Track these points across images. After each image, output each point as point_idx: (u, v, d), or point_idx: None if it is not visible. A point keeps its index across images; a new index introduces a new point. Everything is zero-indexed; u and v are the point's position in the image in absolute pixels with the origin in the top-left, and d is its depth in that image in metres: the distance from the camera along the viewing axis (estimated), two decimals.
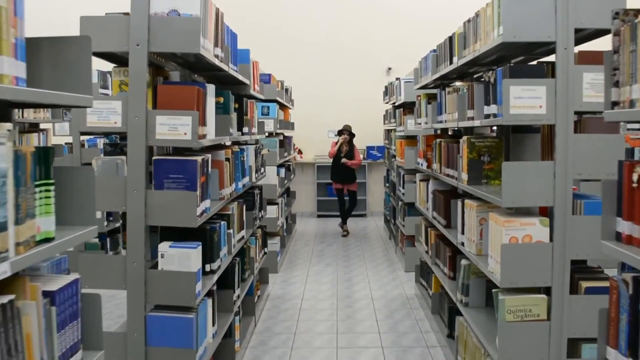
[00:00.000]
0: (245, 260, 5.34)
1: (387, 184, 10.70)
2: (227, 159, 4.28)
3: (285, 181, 9.14)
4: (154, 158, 3.28)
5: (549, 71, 3.30)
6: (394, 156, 9.40)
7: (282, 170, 8.69)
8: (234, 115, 4.83)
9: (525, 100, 3.13)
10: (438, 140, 5.24)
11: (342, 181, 10.24)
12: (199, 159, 3.31)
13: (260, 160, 6.19)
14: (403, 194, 8.02)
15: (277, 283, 7.28)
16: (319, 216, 12.70)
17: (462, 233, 4.21)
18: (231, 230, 4.43)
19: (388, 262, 8.43)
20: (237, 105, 5.20)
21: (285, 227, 9.50)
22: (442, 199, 5.00)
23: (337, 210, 10.65)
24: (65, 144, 7.52)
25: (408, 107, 8.08)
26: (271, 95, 7.68)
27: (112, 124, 3.25)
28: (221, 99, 4.40)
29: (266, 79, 7.75)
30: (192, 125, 3.22)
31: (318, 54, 12.83)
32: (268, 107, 7.63)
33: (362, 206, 12.68)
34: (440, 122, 5.24)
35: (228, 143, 5.67)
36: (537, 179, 3.17)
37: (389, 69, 12.73)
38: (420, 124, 6.36)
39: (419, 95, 6.40)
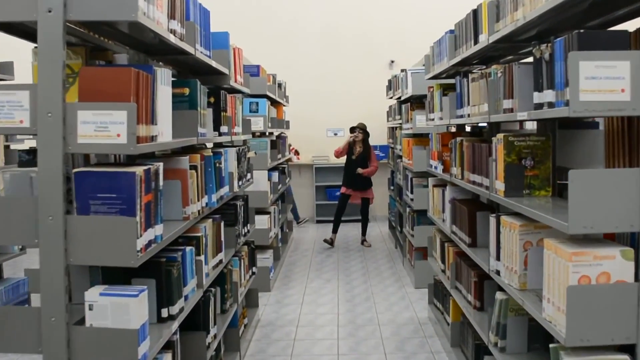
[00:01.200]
0: (226, 288, 4.41)
1: (392, 187, 9.76)
2: (194, 167, 3.35)
3: (280, 186, 8.20)
4: (74, 171, 2.33)
5: (636, 41, 2.35)
6: (400, 157, 8.46)
7: (275, 174, 7.75)
8: (207, 112, 3.90)
9: (601, 82, 2.19)
10: (458, 139, 4.30)
11: (355, 187, 9.07)
12: (139, 170, 2.37)
13: (245, 165, 5.26)
14: (412, 199, 7.08)
15: (269, 305, 6.34)
16: (318, 222, 11.76)
17: (497, 259, 3.27)
18: (202, 257, 3.50)
19: (395, 276, 7.48)
20: (212, 100, 4.27)
21: (280, 236, 8.56)
22: (466, 212, 4.06)
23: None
24: None
25: (416, 102, 7.13)
26: (260, 89, 6.74)
27: (18, 124, 2.32)
28: (186, 90, 3.46)
29: (254, 71, 6.82)
30: (128, 123, 2.28)
31: (314, 47, 11.88)
32: (257, 104, 6.70)
33: None
34: (461, 116, 4.31)
35: (209, 145, 4.78)
36: (619, 193, 2.22)
37: (392, 61, 11.78)
38: (432, 119, 5.42)
39: (431, 87, 5.46)
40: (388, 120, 10.14)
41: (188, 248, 3.25)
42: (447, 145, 4.92)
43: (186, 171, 3.19)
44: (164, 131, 2.82)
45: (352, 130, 9.12)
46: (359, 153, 9.07)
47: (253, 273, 5.52)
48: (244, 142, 6.86)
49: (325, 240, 9.37)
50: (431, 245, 5.66)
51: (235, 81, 4.90)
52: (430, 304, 5.78)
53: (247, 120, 5.64)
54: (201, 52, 3.65)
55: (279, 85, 8.93)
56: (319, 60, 11.85)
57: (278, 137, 8.91)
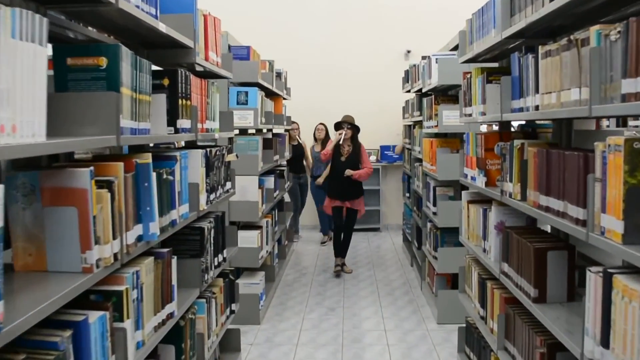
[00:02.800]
0: (184, 347, 3.14)
1: (408, 194, 8.47)
2: (107, 184, 2.07)
3: (276, 192, 6.93)
4: None
5: None
6: (419, 160, 7.16)
7: (271, 180, 6.48)
8: (148, 97, 2.63)
9: None
10: (517, 142, 3.01)
11: (341, 196, 7.30)
12: None
13: (222, 172, 4.00)
14: (434, 213, 5.79)
15: (255, 344, 5.07)
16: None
17: (602, 343, 1.98)
18: (126, 323, 2.23)
19: (412, 305, 6.20)
20: (166, 82, 3.02)
21: (276, 250, 7.29)
22: (531, 251, 2.76)
23: None
24: None
25: (442, 94, 5.84)
26: (249, 76, 5.47)
27: None
28: (101, 61, 2.19)
29: (243, 53, 5.55)
30: None
31: (320, 34, 10.59)
32: (246, 93, 5.43)
33: (375, 218, 10.46)
34: (520, 109, 3.01)
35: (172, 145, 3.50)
36: None
37: (408, 51, 10.47)
38: (469, 115, 4.12)
39: (468, 73, 4.17)
40: (404, 117, 8.85)
41: (94, 315, 1.98)
42: (492, 150, 3.64)
43: (85, 192, 1.91)
44: (34, 128, 1.55)
45: (338, 126, 7.37)
46: (348, 154, 7.34)
47: (232, 312, 4.25)
48: (230, 140, 5.59)
49: (335, 272, 7.45)
50: (463, 277, 4.37)
51: (207, 59, 3.63)
52: (460, 353, 4.49)
53: (227, 114, 4.37)
54: (134, 5, 2.38)
55: (278, 74, 7.65)
56: (325, 50, 10.56)
57: (276, 134, 7.64)
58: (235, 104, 5.45)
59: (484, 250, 3.73)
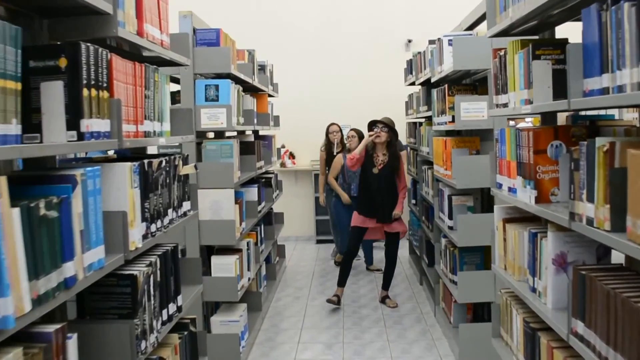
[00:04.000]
0: None
1: (414, 201, 7.44)
2: None
3: (262, 205, 5.90)
4: None
5: None
6: (428, 163, 6.13)
7: (253, 191, 5.46)
8: (15, 85, 1.61)
9: None
10: (600, 141, 1.97)
11: (379, 216, 6.03)
12: None
13: (174, 191, 2.98)
14: (450, 227, 4.77)
15: None
16: (318, 242, 9.44)
17: None
18: None
19: (426, 337, 5.16)
20: (63, 63, 2.01)
21: (264, 273, 6.27)
22: (632, 313, 1.72)
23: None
24: None
25: (457, 83, 4.81)
26: (219, 65, 4.42)
27: None
28: None
29: (210, 38, 4.51)
30: None
31: (312, 25, 9.55)
32: (216, 87, 4.38)
33: None
34: (602, 91, 1.97)
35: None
36: None
37: (409, 41, 9.44)
38: (504, 105, 3.08)
39: (500, 50, 3.13)
40: (407, 114, 7.81)
41: None
42: (545, 153, 2.61)
43: None
44: None
45: (371, 126, 6.06)
46: (382, 164, 6.02)
47: None
48: (200, 145, 4.57)
49: (329, 300, 6.06)
50: (498, 317, 3.34)
51: (141, 34, 2.59)
52: None
53: (183, 113, 3.34)
54: None
55: (262, 67, 6.61)
56: (318, 41, 9.53)
57: (260, 137, 6.63)
58: (203, 101, 4.41)
59: (533, 290, 2.71)
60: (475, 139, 4.71)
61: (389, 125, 6.01)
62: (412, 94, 7.33)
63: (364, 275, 7.32)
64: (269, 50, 8.23)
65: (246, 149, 5.46)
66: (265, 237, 6.42)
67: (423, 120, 6.49)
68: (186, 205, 3.21)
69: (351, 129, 7.27)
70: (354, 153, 6.04)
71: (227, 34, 4.69)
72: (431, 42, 5.77)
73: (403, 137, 8.96)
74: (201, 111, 4.39)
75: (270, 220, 6.82)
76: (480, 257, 4.72)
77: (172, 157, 3.00)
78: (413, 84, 7.16)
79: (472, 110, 4.26)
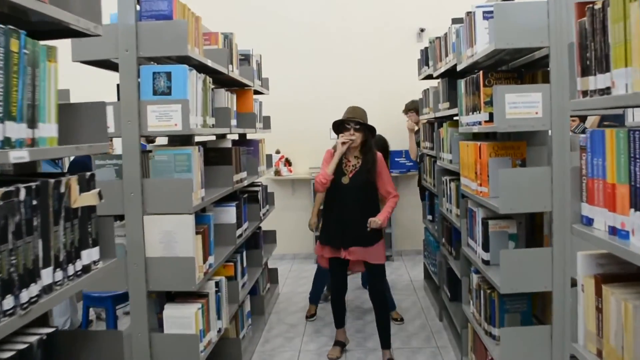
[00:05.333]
0: None
1: (431, 217, 6.22)
2: None
3: (243, 227, 4.72)
4: None
5: None
6: (451, 173, 4.94)
7: (229, 212, 4.29)
8: None
9: None
10: None
11: (345, 241, 4.59)
12: None
13: (62, 235, 1.78)
14: (486, 262, 3.56)
15: None
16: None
17: None
18: None
19: None
20: None
21: (247, 309, 5.08)
22: None
23: None
24: None
25: (495, 70, 3.60)
26: (172, 46, 3.22)
27: None
28: None
29: (161, 9, 3.29)
30: None
31: (311, 13, 8.35)
32: (167, 76, 3.18)
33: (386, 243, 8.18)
34: None
35: None
36: None
37: (422, 30, 8.24)
38: (601, 92, 1.87)
39: (589, 4, 1.92)
40: (422, 112, 6.60)
41: None
42: None
43: None
44: None
45: (339, 128, 4.67)
46: (354, 171, 4.64)
47: None
48: (148, 151, 3.39)
49: (330, 358, 4.77)
50: None
51: None
52: None
53: (91, 109, 2.16)
54: None
55: (244, 57, 5.42)
56: (318, 33, 8.33)
57: (239, 142, 5.44)
58: (150, 95, 3.22)
59: None
60: (521, 144, 3.50)
61: (360, 122, 4.60)
62: (427, 89, 6.11)
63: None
64: (261, 42, 7.07)
65: (219, 157, 4.28)
66: (249, 265, 5.23)
67: (443, 120, 5.28)
68: (91, 254, 2.02)
69: None
70: (323, 172, 4.60)
71: (185, 5, 3.48)
72: (455, 20, 4.57)
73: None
74: (147, 109, 3.20)
75: (257, 242, 5.62)
76: (527, 303, 3.52)
77: (54, 181, 1.81)
78: (430, 77, 5.95)
79: (522, 105, 3.05)
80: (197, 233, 3.35)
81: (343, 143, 4.56)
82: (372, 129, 4.68)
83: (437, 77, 5.50)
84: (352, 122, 4.60)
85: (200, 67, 3.81)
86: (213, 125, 3.94)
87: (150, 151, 3.30)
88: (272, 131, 6.56)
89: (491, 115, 3.43)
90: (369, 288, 4.77)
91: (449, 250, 5.08)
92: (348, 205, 4.59)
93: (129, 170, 3.22)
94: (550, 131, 3.17)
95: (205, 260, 3.47)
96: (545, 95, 3.04)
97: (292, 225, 8.22)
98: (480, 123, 3.58)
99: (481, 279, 3.82)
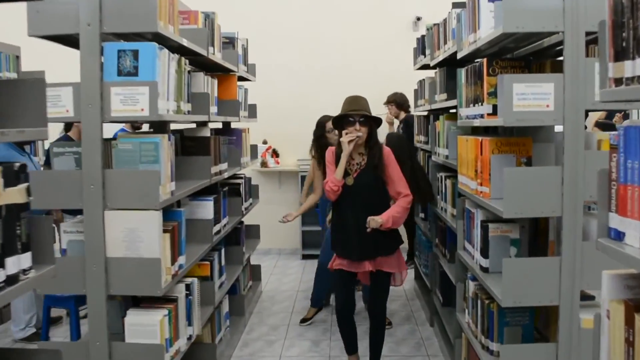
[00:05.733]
0: None
1: (423, 215, 5.89)
2: None
3: (222, 222, 4.39)
4: None
5: None
6: (447, 169, 4.62)
7: (206, 206, 3.96)
8: None
9: None
10: None
11: (357, 252, 3.93)
12: None
13: None
14: (484, 269, 3.24)
15: None
16: (304, 257, 7.90)
17: None
18: None
19: None
20: None
21: (226, 310, 4.75)
22: None
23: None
24: None
25: (500, 58, 3.26)
26: (139, 21, 2.86)
27: None
28: None
29: None
30: None
31: (303, 3, 8.01)
32: (134, 54, 2.82)
33: None
34: None
35: None
36: None
37: (418, 19, 7.90)
38: None
39: None
40: (417, 105, 6.26)
41: None
42: None
43: None
44: None
45: (340, 123, 3.96)
46: (359, 169, 3.98)
47: None
48: (112, 139, 3.04)
49: None
50: None
51: None
52: None
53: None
54: None
55: (229, 40, 5.06)
56: (309, 20, 7.97)
57: (221, 131, 5.10)
58: (115, 75, 2.86)
59: None
60: (526, 141, 3.17)
61: (366, 115, 3.92)
62: (423, 79, 5.77)
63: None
64: (250, 28, 6.71)
65: (197, 147, 3.93)
66: (229, 262, 4.90)
67: (439, 112, 4.95)
68: (17, 263, 1.67)
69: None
70: (330, 177, 3.94)
71: None
72: (456, 5, 4.22)
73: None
74: (111, 91, 2.84)
75: (239, 238, 5.27)
76: (530, 315, 3.20)
77: None
78: (427, 67, 5.61)
79: (531, 97, 2.72)
80: (164, 231, 3.00)
81: (350, 142, 3.86)
82: (377, 120, 4.09)
83: (434, 67, 5.16)
84: (357, 115, 3.91)
85: (177, 49, 3.45)
86: (189, 111, 3.59)
87: (115, 139, 2.94)
88: (258, 121, 6.21)
89: (495, 107, 3.11)
90: (373, 300, 4.15)
91: (443, 252, 4.75)
92: (357, 209, 3.90)
93: (89, 160, 2.87)
94: (558, 127, 2.85)
95: (174, 261, 3.12)
96: (558, 86, 2.70)
97: (278, 219, 7.85)
98: (482, 116, 3.25)
99: (478, 287, 3.50)
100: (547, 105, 2.72)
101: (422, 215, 5.96)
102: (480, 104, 3.28)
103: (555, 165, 3.03)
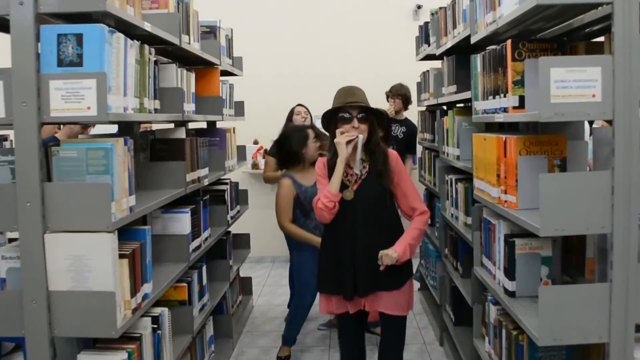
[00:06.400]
0: None
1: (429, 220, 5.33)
2: None
3: (202, 236, 3.84)
4: None
5: None
6: (457, 171, 4.07)
7: (181, 220, 3.43)
8: None
9: None
10: None
11: (360, 286, 3.12)
12: None
13: None
14: (510, 293, 2.70)
15: None
16: None
17: None
18: None
19: None
20: None
21: (210, 334, 4.21)
22: None
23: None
24: None
25: (529, 40, 2.69)
26: (83, 1, 2.32)
27: None
28: None
29: None
30: None
31: None
32: (78, 38, 2.27)
33: None
34: None
35: None
36: None
37: (419, 7, 7.35)
38: None
39: None
40: (420, 99, 5.71)
41: None
42: None
43: None
44: None
45: (331, 121, 3.19)
46: (360, 180, 3.17)
47: None
48: (53, 145, 2.47)
49: None
50: None
51: None
52: None
53: None
54: None
55: (209, 29, 4.50)
56: (303, 9, 7.41)
57: (203, 131, 4.57)
58: (55, 66, 2.30)
59: None
60: (560, 139, 2.62)
61: (365, 108, 3.12)
62: (427, 71, 5.22)
63: None
64: (241, 19, 6.16)
65: (168, 151, 3.38)
66: (213, 279, 4.36)
67: (447, 106, 4.40)
68: None
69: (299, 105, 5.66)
70: (325, 192, 3.10)
71: None
72: None
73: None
74: (50, 85, 2.29)
75: (225, 251, 4.72)
76: (567, 353, 2.65)
77: None
78: (431, 57, 5.06)
79: (573, 85, 2.17)
80: (121, 256, 2.45)
81: (348, 142, 3.06)
82: (380, 116, 3.26)
83: (440, 57, 4.61)
84: (355, 109, 3.12)
85: (145, 38, 2.91)
86: (156, 110, 3.04)
87: (57, 144, 2.38)
88: (249, 120, 5.68)
89: (522, 99, 2.56)
90: (383, 351, 3.28)
91: (454, 265, 4.21)
92: (358, 230, 3.10)
93: (25, 172, 2.31)
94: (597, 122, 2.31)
95: (135, 292, 2.57)
96: (607, 70, 2.15)
97: (271, 224, 7.23)
98: (504, 110, 2.70)
99: (502, 312, 2.95)
100: (594, 95, 2.17)
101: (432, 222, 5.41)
102: (502, 95, 2.73)
103: (591, 169, 2.50)
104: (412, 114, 6.29)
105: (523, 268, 2.72)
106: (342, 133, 3.09)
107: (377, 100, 6.87)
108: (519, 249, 2.73)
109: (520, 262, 2.72)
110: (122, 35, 2.48)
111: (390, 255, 3.05)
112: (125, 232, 2.68)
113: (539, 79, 2.17)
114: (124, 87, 2.53)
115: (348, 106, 3.10)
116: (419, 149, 6.18)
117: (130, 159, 2.55)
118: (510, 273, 2.74)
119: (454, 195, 4.12)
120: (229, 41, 5.07)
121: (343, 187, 3.14)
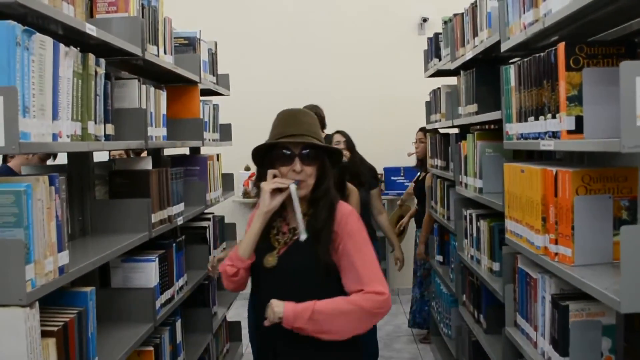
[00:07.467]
0: None
1: (440, 257, 4.70)
2: None
3: (176, 286, 3.20)
4: None
5: None
6: (476, 205, 3.42)
7: (145, 270, 2.77)
8: None
9: None
10: None
11: None
12: None
13: None
14: None
15: None
16: None
17: None
18: None
19: None
20: None
21: None
22: None
23: None
24: None
25: (588, 43, 2.08)
26: None
27: None
28: None
29: None
30: None
31: (293, 7, 6.88)
32: None
33: None
34: None
35: None
36: None
37: (424, 20, 6.77)
38: None
39: None
40: (429, 121, 5.08)
41: None
42: None
43: None
44: None
45: (260, 157, 2.32)
46: (290, 243, 2.23)
47: None
48: None
49: None
50: None
51: None
52: None
53: None
54: None
55: (187, 41, 3.89)
56: (300, 27, 6.84)
57: (180, 159, 3.94)
58: None
59: None
60: (630, 172, 1.99)
61: (317, 144, 2.21)
62: (438, 88, 4.61)
63: None
64: (232, 34, 5.58)
65: (129, 186, 2.75)
66: (192, 330, 3.71)
67: (465, 129, 3.78)
68: None
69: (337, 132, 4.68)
70: (231, 254, 2.26)
71: None
72: None
73: (413, 157, 6.13)
74: None
75: (206, 297, 4.06)
76: None
77: None
78: (441, 73, 4.46)
79: None
80: (46, 334, 1.81)
81: (273, 192, 2.18)
82: (336, 155, 2.35)
83: (454, 72, 4.00)
84: (298, 144, 2.20)
85: (101, 48, 2.31)
86: (109, 136, 2.41)
87: None
88: (238, 143, 5.06)
89: (579, 120, 1.93)
90: None
91: (475, 317, 3.56)
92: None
93: None
94: None
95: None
96: None
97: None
98: (554, 135, 2.07)
99: None
100: None
101: (439, 258, 4.77)
102: (549, 116, 2.11)
103: None
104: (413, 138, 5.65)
105: (578, 340, 2.08)
106: (274, 176, 2.21)
107: (378, 118, 6.28)
108: (574, 316, 2.09)
109: (575, 333, 2.08)
110: (48, 39, 1.86)
111: (274, 309, 2.10)
112: (62, 297, 2.05)
113: (620, 92, 1.55)
114: (54, 108, 1.91)
115: (286, 141, 2.20)
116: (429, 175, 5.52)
117: (61, 202, 1.91)
118: (562, 346, 2.10)
119: (474, 234, 3.48)
120: (213, 56, 4.47)
121: (268, 249, 2.24)
